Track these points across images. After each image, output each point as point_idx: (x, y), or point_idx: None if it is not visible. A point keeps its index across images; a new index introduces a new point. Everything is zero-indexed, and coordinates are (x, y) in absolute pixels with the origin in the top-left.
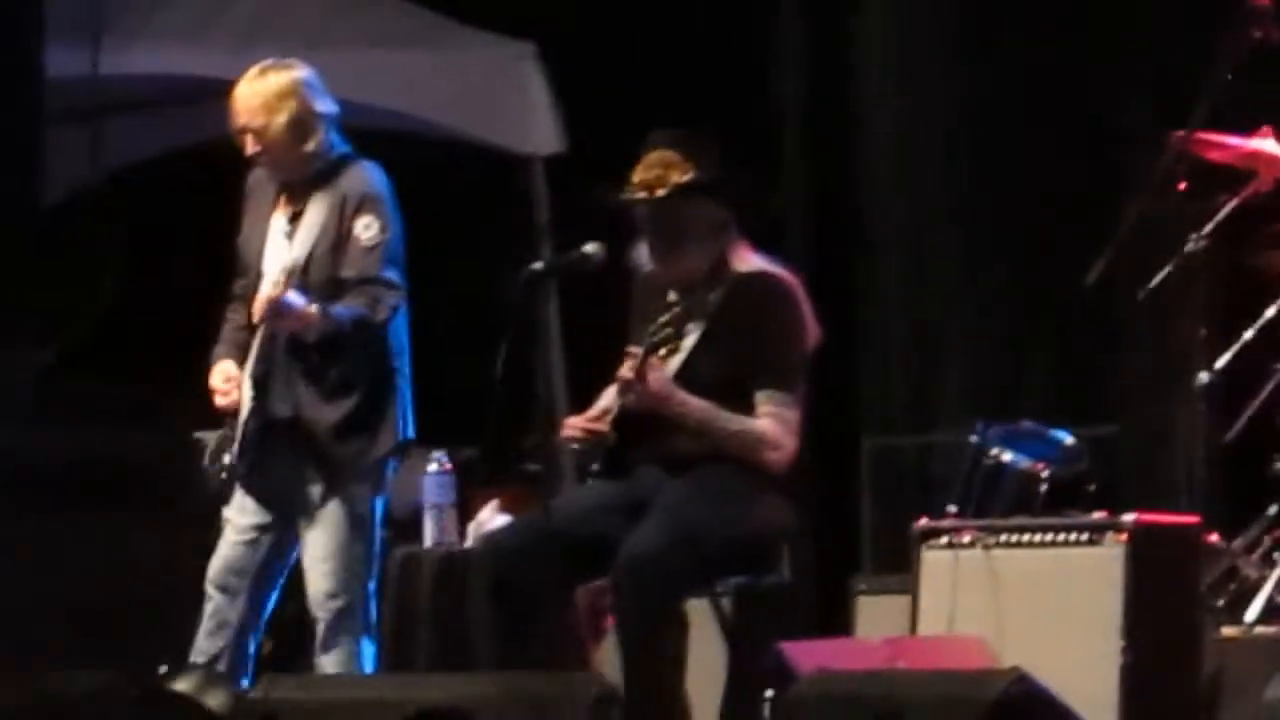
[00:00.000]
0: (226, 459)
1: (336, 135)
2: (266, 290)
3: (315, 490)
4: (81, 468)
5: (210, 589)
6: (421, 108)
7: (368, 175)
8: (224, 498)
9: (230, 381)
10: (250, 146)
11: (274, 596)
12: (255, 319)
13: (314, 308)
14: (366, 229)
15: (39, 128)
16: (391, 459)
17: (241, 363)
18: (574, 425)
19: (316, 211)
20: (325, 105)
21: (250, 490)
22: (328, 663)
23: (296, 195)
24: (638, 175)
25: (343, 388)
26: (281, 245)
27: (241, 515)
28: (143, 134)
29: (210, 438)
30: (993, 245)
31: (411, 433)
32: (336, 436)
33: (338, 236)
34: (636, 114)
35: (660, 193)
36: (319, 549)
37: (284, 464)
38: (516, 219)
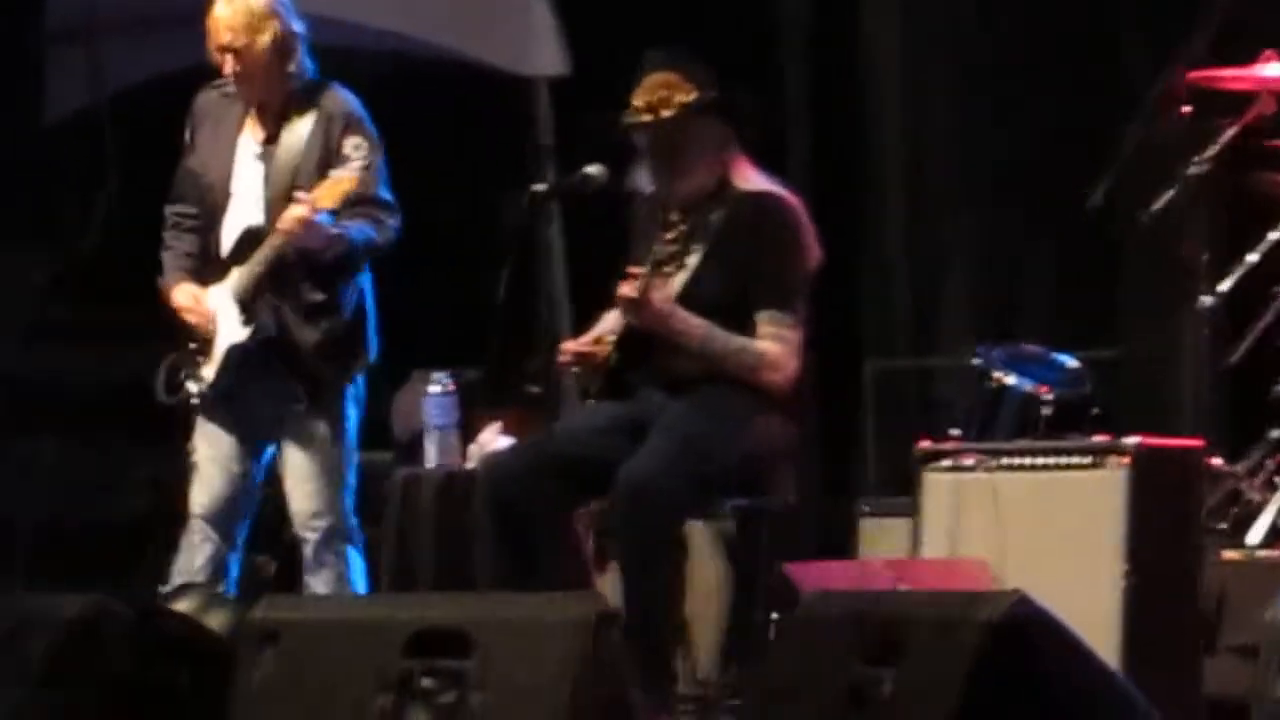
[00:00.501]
0: (192, 386)
1: (307, 58)
2: (298, 211)
3: (298, 410)
4: (78, 387)
5: (207, 528)
6: (424, 29)
7: (347, 97)
8: (189, 425)
9: (199, 301)
10: (230, 66)
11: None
12: (287, 236)
13: (336, 229)
14: (357, 149)
15: (40, 47)
16: (361, 377)
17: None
18: (569, 349)
19: (297, 132)
20: (300, 26)
21: (223, 416)
22: (319, 582)
23: (268, 118)
24: (640, 98)
25: (323, 308)
26: (254, 168)
27: (216, 446)
28: (141, 54)
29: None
30: (995, 167)
31: (375, 353)
32: (321, 356)
33: (324, 156)
34: (639, 35)
35: (666, 114)
36: (303, 469)
37: (262, 386)
38: (520, 141)
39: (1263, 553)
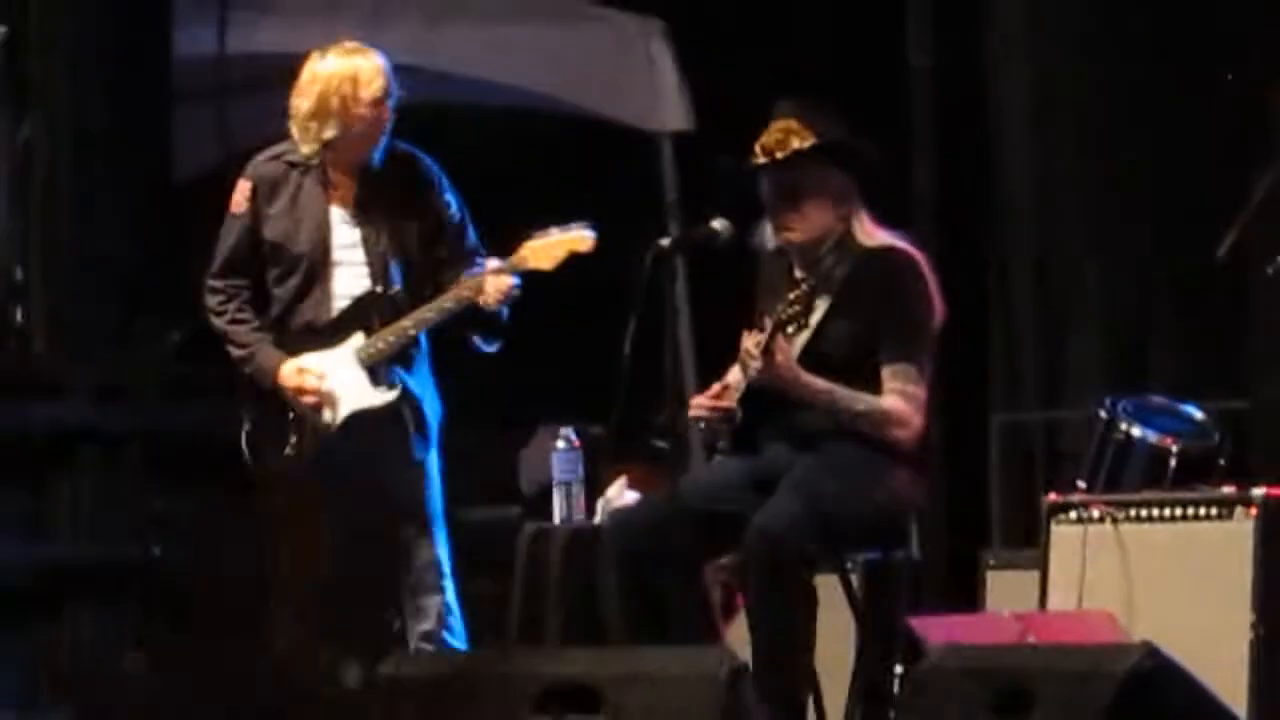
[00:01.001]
0: (291, 452)
1: None
2: (494, 279)
3: (413, 461)
4: (212, 445)
5: None
6: (549, 84)
7: (424, 156)
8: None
9: (309, 377)
10: (384, 118)
11: None
12: (493, 302)
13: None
14: (449, 207)
15: (169, 107)
16: None
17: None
18: (700, 403)
19: (389, 195)
20: None
21: (331, 477)
22: (430, 606)
23: (353, 181)
24: (760, 141)
25: (415, 359)
26: (348, 233)
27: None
28: (269, 113)
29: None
30: (1122, 218)
31: None
32: (424, 405)
33: (426, 217)
34: (765, 91)
35: (780, 155)
36: (429, 515)
37: (381, 442)
38: (644, 196)
39: None
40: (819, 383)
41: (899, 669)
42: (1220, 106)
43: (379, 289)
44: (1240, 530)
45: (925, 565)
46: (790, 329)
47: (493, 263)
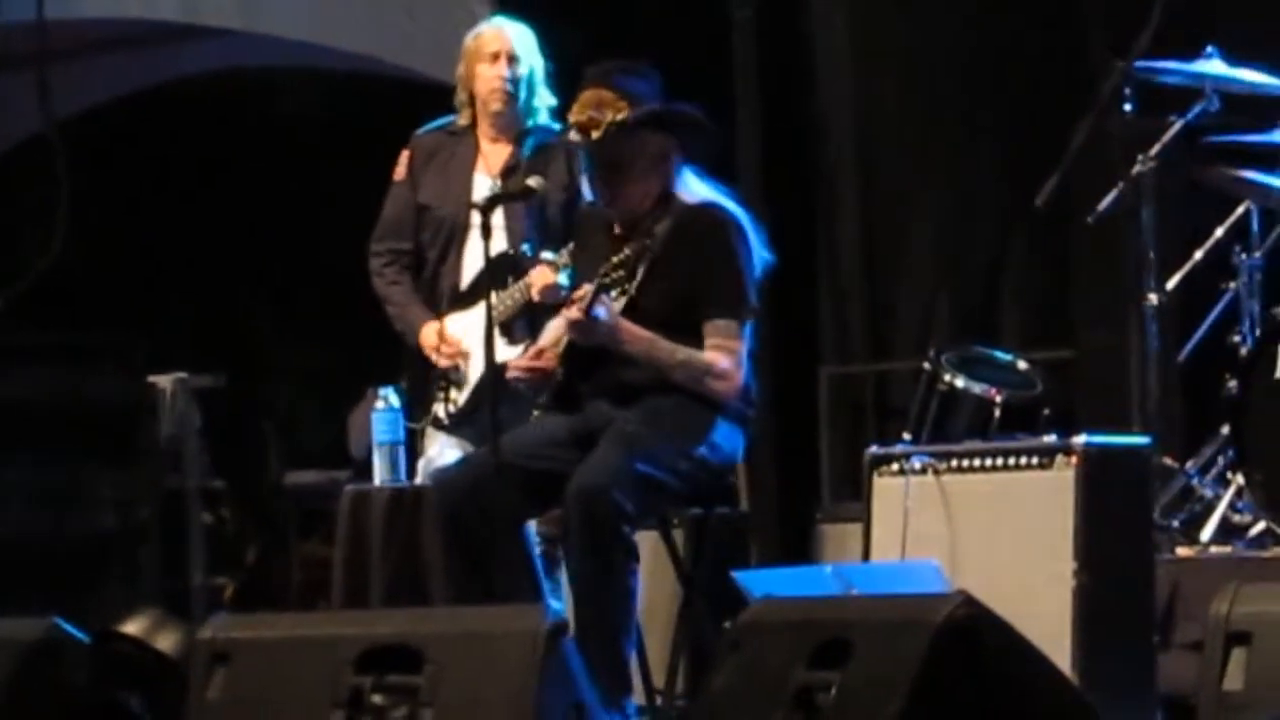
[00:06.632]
0: (440, 409)
1: None
2: (540, 274)
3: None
4: (35, 412)
5: None
6: (372, 45)
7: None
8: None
9: (446, 340)
10: (506, 73)
11: None
12: (537, 298)
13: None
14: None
15: None
16: None
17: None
18: (518, 366)
19: (543, 168)
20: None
21: (469, 431)
22: None
23: (499, 149)
24: (573, 116)
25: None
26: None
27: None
28: (91, 80)
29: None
30: (948, 169)
31: None
32: None
33: (571, 194)
34: (590, 45)
35: (594, 134)
36: None
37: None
38: None
39: (1215, 549)
40: (640, 332)
41: (725, 625)
42: (1045, 55)
43: (510, 250)
44: (1063, 479)
45: (752, 519)
46: (614, 292)
47: (545, 255)
